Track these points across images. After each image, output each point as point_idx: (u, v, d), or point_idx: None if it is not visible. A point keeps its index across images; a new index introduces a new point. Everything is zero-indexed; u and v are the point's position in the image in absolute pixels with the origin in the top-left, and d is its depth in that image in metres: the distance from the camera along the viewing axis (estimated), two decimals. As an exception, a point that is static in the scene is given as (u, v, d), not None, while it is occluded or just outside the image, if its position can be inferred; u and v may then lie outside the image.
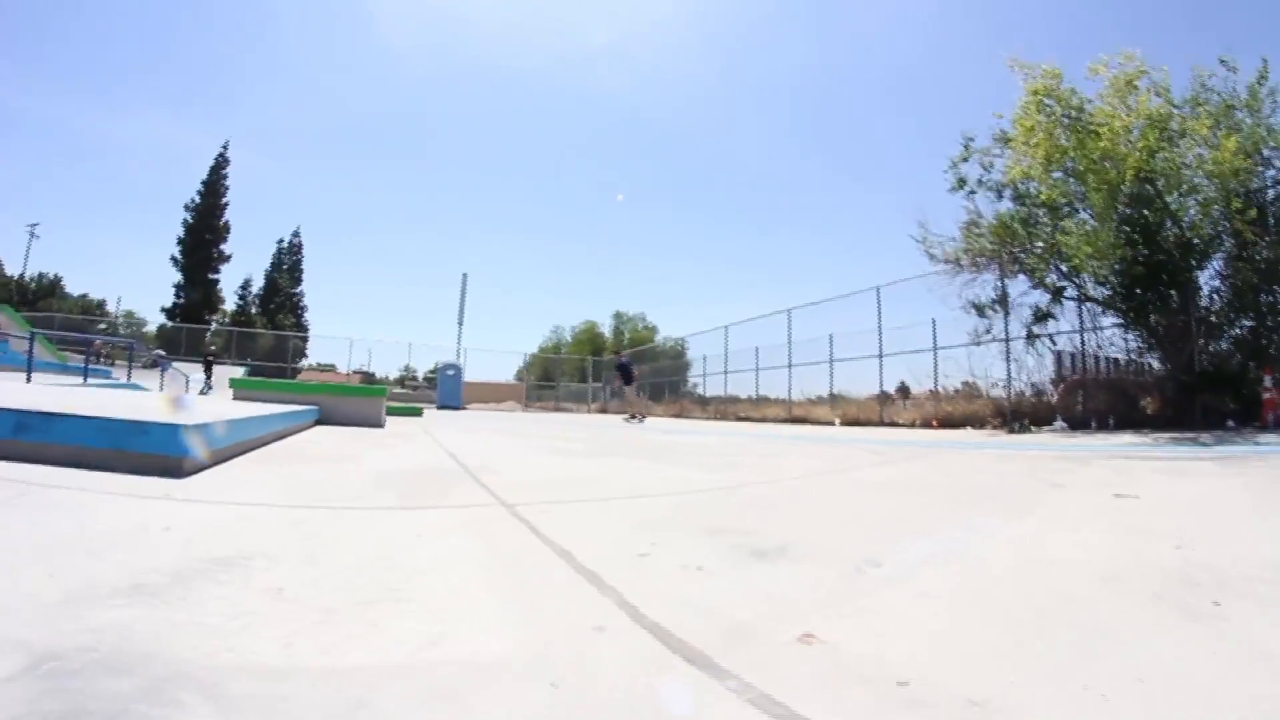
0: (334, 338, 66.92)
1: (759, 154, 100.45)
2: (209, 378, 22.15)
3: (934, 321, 14.85)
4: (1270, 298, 10.60)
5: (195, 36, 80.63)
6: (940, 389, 15.00)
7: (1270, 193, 10.60)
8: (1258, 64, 10.44)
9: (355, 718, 1.00)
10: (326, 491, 3.20)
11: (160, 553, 1.82)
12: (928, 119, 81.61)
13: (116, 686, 1.04)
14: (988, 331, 13.09)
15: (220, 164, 52.76)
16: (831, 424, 15.97)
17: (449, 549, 2.08)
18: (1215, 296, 11.06)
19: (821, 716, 1.00)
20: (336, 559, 1.88)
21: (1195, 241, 10.74)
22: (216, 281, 51.63)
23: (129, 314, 51.53)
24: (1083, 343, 12.40)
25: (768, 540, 2.22)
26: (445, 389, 28.45)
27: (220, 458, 3.81)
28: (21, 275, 55.02)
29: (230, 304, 53.36)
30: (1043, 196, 11.73)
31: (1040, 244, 12.11)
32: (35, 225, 52.52)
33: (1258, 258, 10.26)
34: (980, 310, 13.08)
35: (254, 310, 53.66)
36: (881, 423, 15.09)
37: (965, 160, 13.22)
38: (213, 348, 30.29)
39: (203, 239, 50.58)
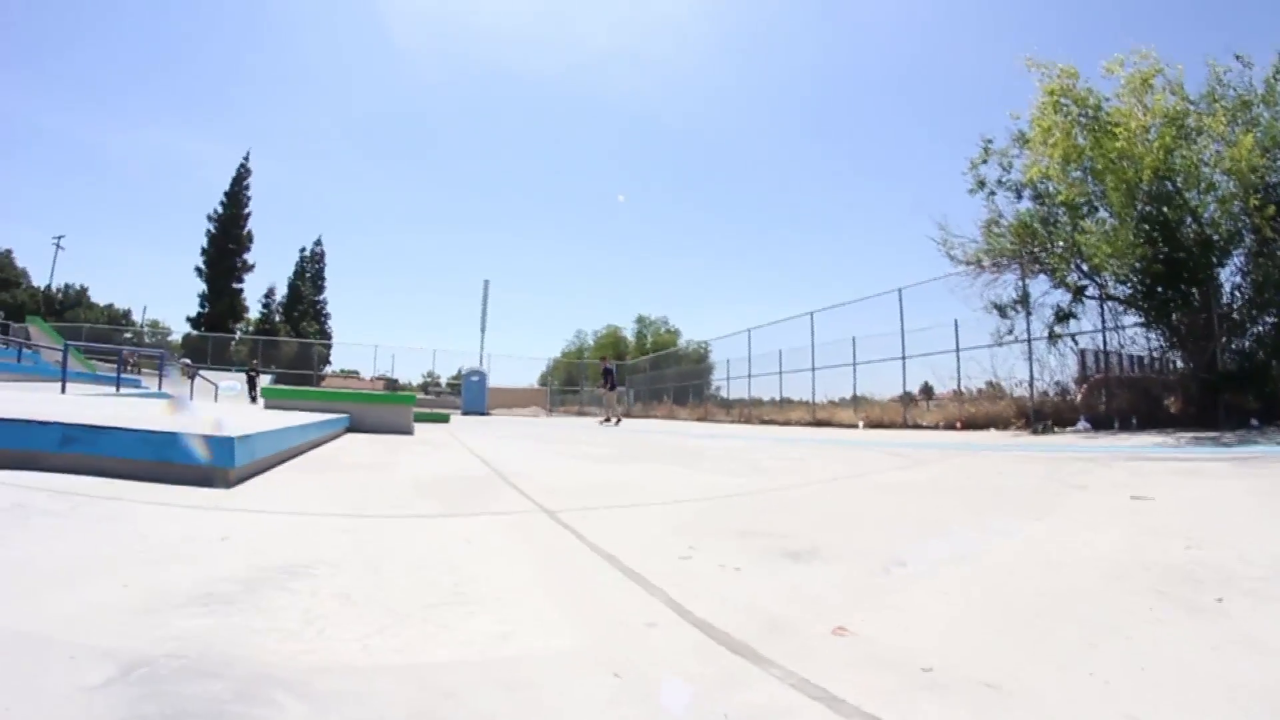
0: (358, 345, 67.52)
1: (779, 157, 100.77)
2: (253, 390, 22.48)
3: (956, 322, 14.84)
4: (1292, 294, 10.51)
5: (215, 51, 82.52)
6: (963, 390, 14.96)
7: (1289, 188, 10.51)
8: (1273, 59, 10.37)
9: (443, 708, 1.08)
10: (369, 500, 3.31)
11: (224, 562, 1.90)
12: (946, 120, 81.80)
13: (209, 689, 1.10)
14: (1010, 332, 13.11)
15: (242, 174, 53.58)
16: (855, 426, 15.98)
17: (500, 554, 2.20)
18: (1237, 293, 11.01)
19: (854, 697, 1.11)
20: (395, 565, 1.97)
21: (1215, 238, 10.67)
22: (240, 290, 52.46)
23: (154, 323, 52.58)
24: (1105, 342, 12.38)
25: (798, 542, 2.35)
26: (470, 395, 28.73)
27: (262, 468, 3.91)
28: (49, 286, 56.30)
29: (254, 312, 54.32)
30: (1062, 196, 11.73)
31: (1060, 243, 12.10)
32: (61, 237, 53.52)
33: (1279, 253, 10.20)
34: (1002, 311, 13.11)
35: (278, 318, 54.40)
36: (905, 425, 15.09)
37: (984, 162, 13.28)
38: (254, 361, 30.84)
39: (226, 249, 51.35)
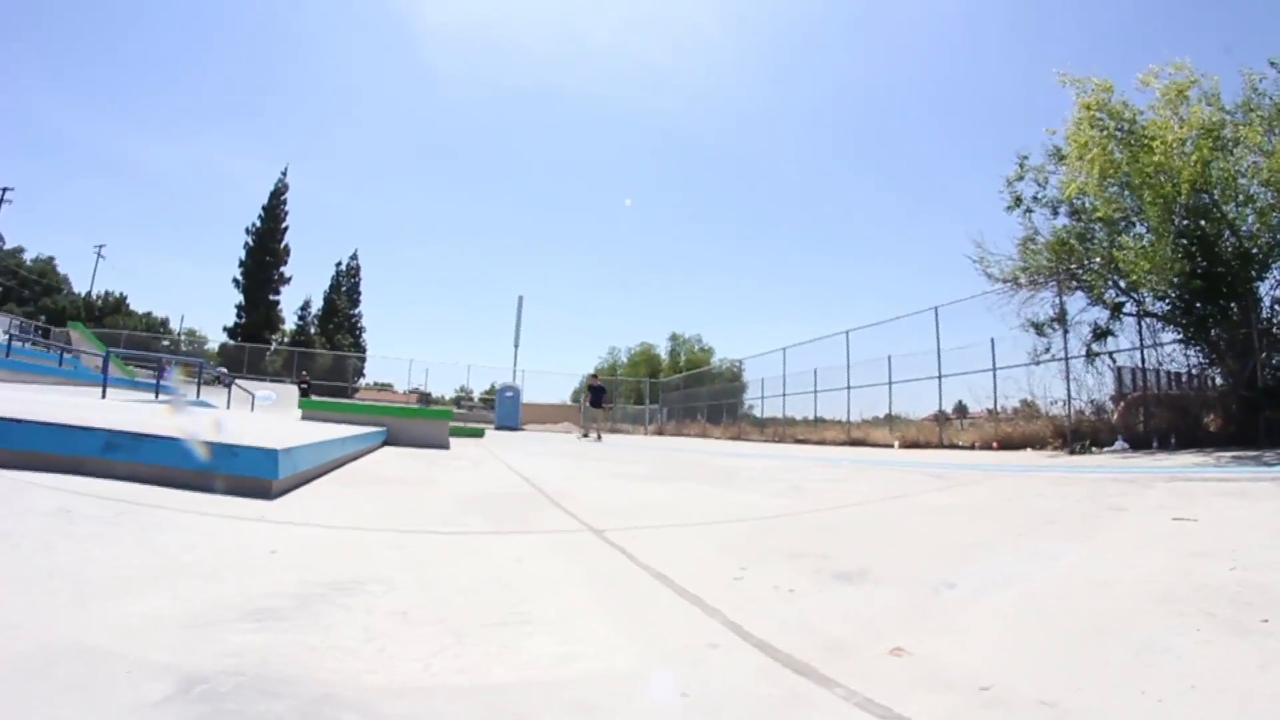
0: (392, 358, 68.39)
1: (812, 175, 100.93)
2: None
3: (992, 341, 14.73)
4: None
5: (254, 70, 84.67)
6: (999, 409, 14.80)
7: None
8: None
9: (515, 732, 1.10)
10: (414, 515, 3.35)
11: (275, 576, 1.91)
12: (981, 137, 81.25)
13: (272, 709, 1.10)
14: (1047, 350, 13.02)
15: (280, 189, 54.56)
16: (890, 446, 15.87)
17: (552, 573, 2.23)
18: (1277, 307, 10.85)
19: (919, 716, 1.16)
20: (449, 583, 1.99)
21: (1254, 251, 10.57)
22: (277, 302, 53.30)
23: (191, 332, 53.67)
24: (1143, 359, 12.22)
25: (847, 564, 2.41)
26: (504, 410, 28.87)
27: (303, 480, 3.93)
28: (89, 293, 58.08)
29: (290, 324, 55.09)
30: (1099, 212, 11.64)
31: (1097, 259, 12.00)
32: (101, 246, 55.46)
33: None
34: (1039, 328, 13.04)
35: (313, 330, 55.16)
36: (941, 445, 14.97)
37: (1020, 179, 13.26)
38: (304, 372, 31.17)
39: (263, 261, 52.24)
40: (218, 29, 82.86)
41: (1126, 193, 11.35)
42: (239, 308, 51.42)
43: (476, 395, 41.66)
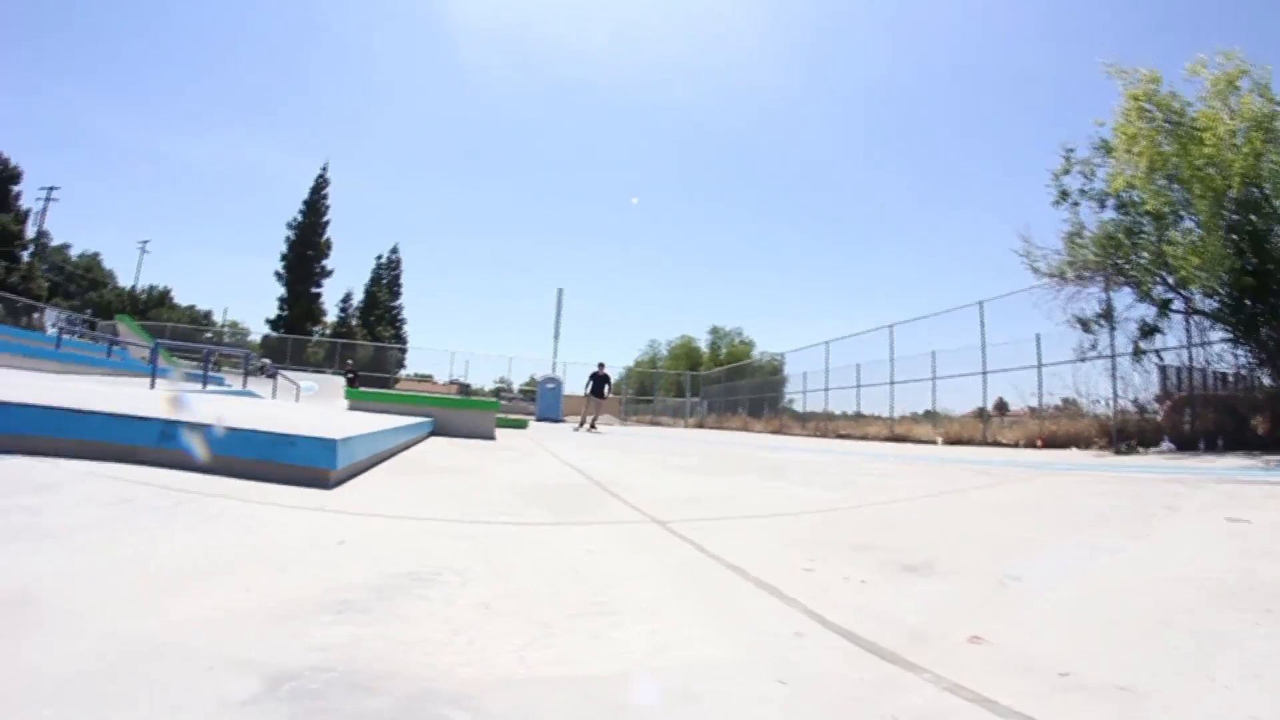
0: (433, 350, 69.22)
1: (854, 169, 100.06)
2: None
3: (1038, 337, 14.54)
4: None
5: (294, 67, 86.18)
6: (1043, 406, 14.63)
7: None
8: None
9: (619, 722, 1.12)
10: (473, 506, 3.41)
11: (348, 567, 1.93)
12: (1026, 130, 79.59)
13: (371, 706, 1.08)
14: (1093, 347, 12.86)
15: (320, 184, 55.16)
16: (933, 443, 15.81)
17: (625, 563, 2.28)
18: (1331, 307, 10.58)
19: (1006, 699, 1.22)
20: (524, 574, 2.03)
21: (1307, 248, 10.33)
22: (319, 295, 53.92)
23: (234, 324, 55.08)
24: (1190, 358, 12.02)
25: (912, 556, 2.51)
26: (545, 402, 29.05)
27: (358, 470, 3.99)
28: (134, 287, 59.78)
29: (332, 316, 55.76)
30: (1147, 205, 11.46)
31: (1145, 254, 11.82)
32: (146, 242, 56.96)
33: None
34: (1085, 325, 12.90)
35: (354, 322, 55.84)
36: (985, 442, 14.86)
37: (1067, 173, 13.06)
38: (349, 361, 31.38)
39: (305, 255, 52.90)
40: (254, 28, 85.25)
41: (1175, 186, 11.20)
42: (281, 300, 52.24)
43: (516, 387, 42.03)
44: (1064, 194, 13.20)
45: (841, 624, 1.66)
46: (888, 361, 20.36)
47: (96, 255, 65.47)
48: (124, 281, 62.12)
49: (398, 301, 60.42)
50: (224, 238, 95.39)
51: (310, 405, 14.34)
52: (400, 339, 55.62)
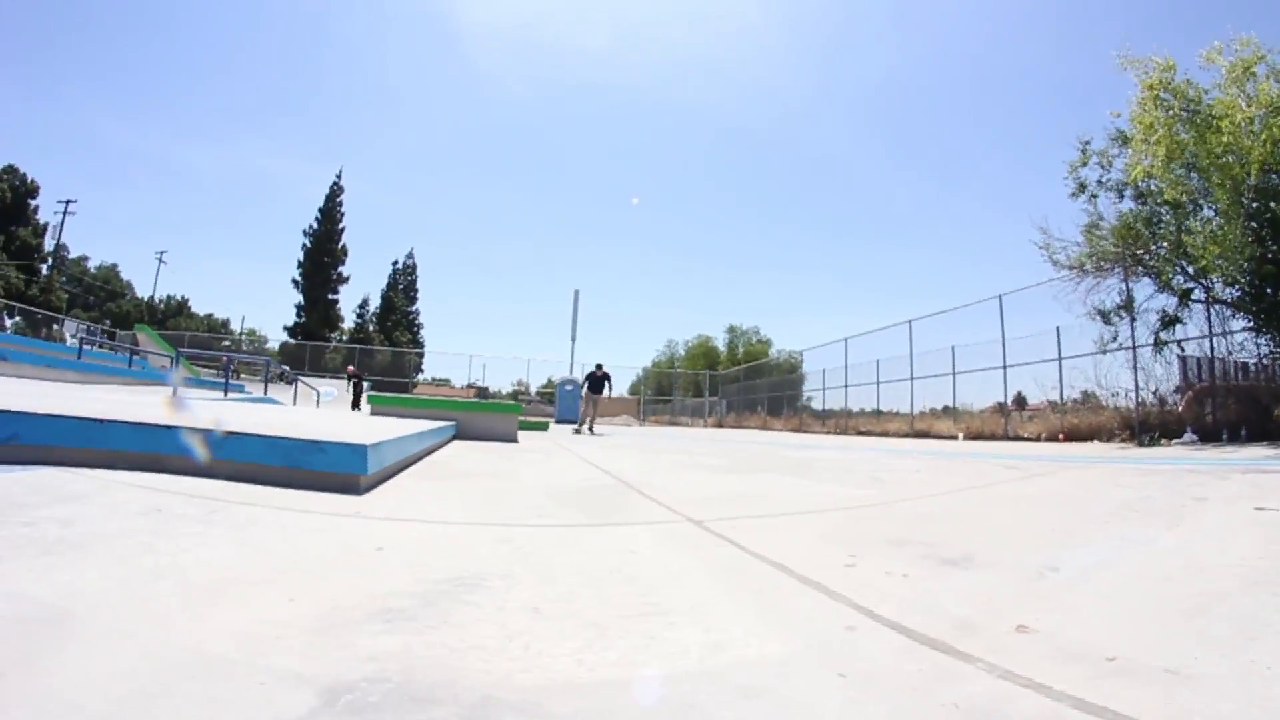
0: (450, 354, 69.81)
1: (868, 165, 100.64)
2: (356, 396, 23.26)
3: (1058, 330, 14.46)
4: None
5: (307, 77, 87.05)
6: (1064, 400, 14.54)
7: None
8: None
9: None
10: (507, 509, 3.43)
11: (390, 574, 1.92)
12: (1042, 123, 79.03)
13: (435, 717, 1.07)
14: (1114, 339, 12.79)
15: (335, 191, 55.60)
16: (954, 438, 15.80)
17: (669, 563, 2.30)
18: (1354, 294, 10.48)
19: (1060, 684, 1.27)
20: (568, 576, 2.03)
21: (1329, 234, 10.24)
22: (336, 301, 54.33)
23: (251, 332, 55.74)
24: (1211, 348, 11.93)
25: (949, 550, 2.56)
26: (564, 403, 28.94)
27: (387, 475, 4.00)
28: (152, 297, 60.55)
29: (349, 322, 56.21)
30: (1165, 195, 11.41)
31: (1165, 244, 11.77)
32: (163, 252, 57.65)
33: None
34: (1105, 317, 12.85)
35: (371, 328, 56.34)
36: (1006, 436, 14.81)
37: (1084, 165, 13.05)
38: (350, 366, 31.36)
39: (321, 262, 53.32)
40: (266, 37, 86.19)
41: (1194, 175, 11.13)
42: (298, 307, 52.66)
43: (534, 389, 42.18)
44: (1081, 186, 13.21)
45: (890, 617, 1.70)
46: (907, 357, 20.33)
47: (114, 266, 66.70)
48: (142, 292, 63.36)
49: (414, 306, 61.07)
50: (240, 246, 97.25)
51: (332, 411, 14.49)
52: (417, 343, 56.19)
